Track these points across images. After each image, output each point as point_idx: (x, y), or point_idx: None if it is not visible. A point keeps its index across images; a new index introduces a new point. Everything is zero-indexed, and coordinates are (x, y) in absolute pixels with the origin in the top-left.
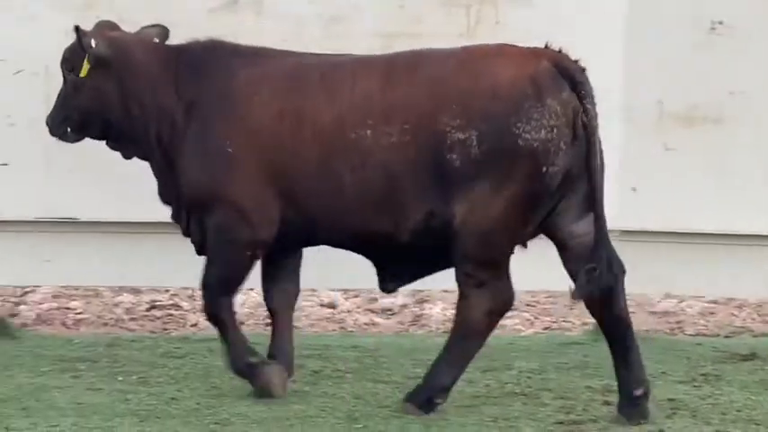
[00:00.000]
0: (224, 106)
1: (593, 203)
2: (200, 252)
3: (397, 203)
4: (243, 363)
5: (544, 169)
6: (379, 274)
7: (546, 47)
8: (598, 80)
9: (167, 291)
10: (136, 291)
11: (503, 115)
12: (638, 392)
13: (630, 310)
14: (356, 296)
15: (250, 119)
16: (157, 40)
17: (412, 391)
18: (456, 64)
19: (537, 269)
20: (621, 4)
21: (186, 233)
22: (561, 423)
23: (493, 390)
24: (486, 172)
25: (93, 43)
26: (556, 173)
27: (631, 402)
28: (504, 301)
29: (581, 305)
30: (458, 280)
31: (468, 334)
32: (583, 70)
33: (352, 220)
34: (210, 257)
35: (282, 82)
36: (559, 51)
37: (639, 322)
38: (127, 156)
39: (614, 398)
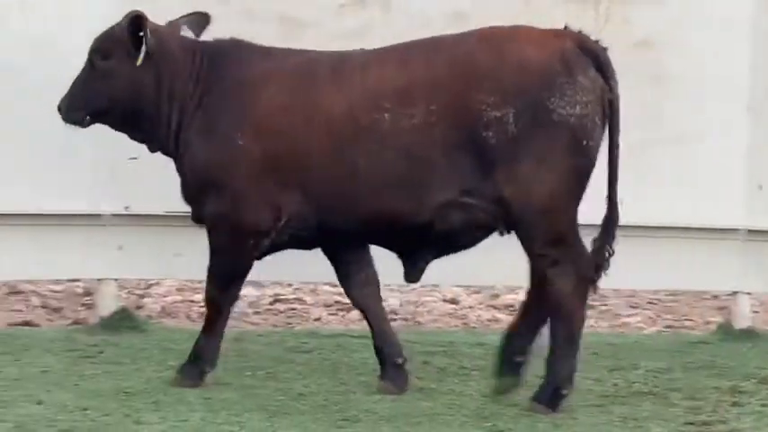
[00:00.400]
0: (234, 98)
1: (611, 181)
2: None
3: (419, 184)
4: (204, 357)
5: (584, 143)
6: (403, 263)
7: (566, 28)
8: (725, 77)
9: (290, 285)
10: (258, 285)
11: (537, 91)
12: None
13: (755, 310)
14: (477, 292)
15: (259, 111)
16: (188, 30)
17: (538, 391)
18: (481, 44)
19: (659, 269)
20: (748, 1)
21: (201, 216)
22: (691, 424)
23: (621, 389)
24: (526, 148)
25: (149, 35)
26: (594, 147)
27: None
28: (585, 270)
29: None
30: (533, 264)
31: (565, 316)
32: (605, 50)
33: (367, 203)
34: (214, 246)
35: (293, 76)
36: (579, 32)
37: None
38: (152, 149)
39: (744, 399)
